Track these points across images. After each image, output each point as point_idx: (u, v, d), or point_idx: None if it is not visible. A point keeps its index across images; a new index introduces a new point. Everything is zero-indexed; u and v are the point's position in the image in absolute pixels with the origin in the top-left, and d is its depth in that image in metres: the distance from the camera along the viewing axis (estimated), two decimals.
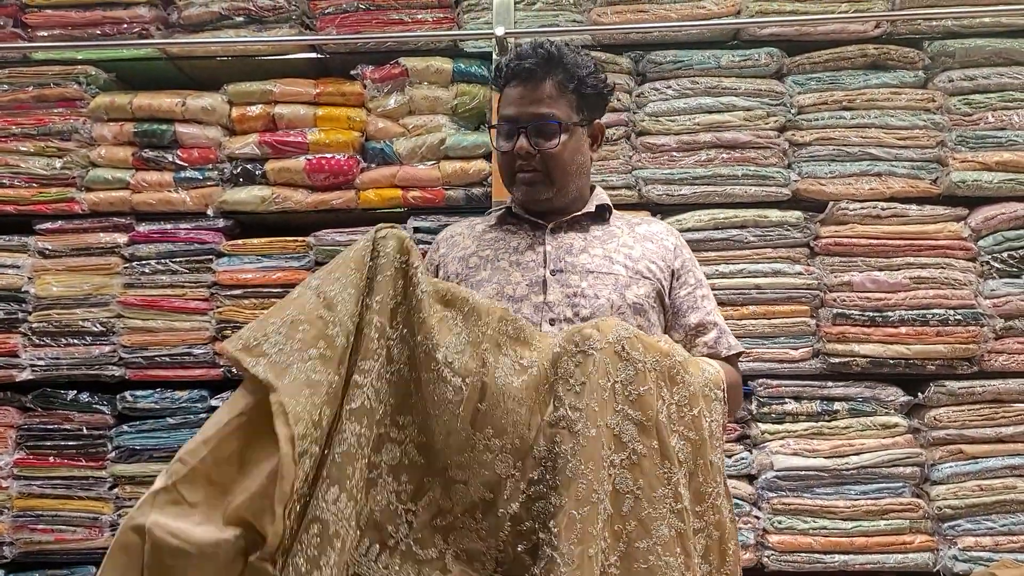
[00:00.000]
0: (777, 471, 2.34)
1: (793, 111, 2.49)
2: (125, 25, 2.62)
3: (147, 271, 2.56)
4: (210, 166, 2.59)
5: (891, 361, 2.37)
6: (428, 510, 1.22)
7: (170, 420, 2.50)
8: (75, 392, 2.53)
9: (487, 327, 1.25)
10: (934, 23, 2.49)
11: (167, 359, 2.52)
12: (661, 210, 2.49)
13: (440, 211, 2.56)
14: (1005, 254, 2.39)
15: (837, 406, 2.39)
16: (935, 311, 2.37)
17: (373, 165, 2.58)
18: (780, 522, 2.33)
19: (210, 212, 2.58)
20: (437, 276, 1.61)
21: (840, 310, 2.40)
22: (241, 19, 2.59)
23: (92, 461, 2.49)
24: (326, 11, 2.57)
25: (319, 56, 2.64)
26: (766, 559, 2.32)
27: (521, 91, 1.49)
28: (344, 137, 2.56)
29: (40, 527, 2.47)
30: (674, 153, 2.51)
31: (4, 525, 2.47)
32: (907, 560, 2.29)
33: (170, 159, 2.59)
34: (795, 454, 2.35)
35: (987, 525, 2.29)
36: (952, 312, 2.36)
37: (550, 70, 1.48)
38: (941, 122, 2.45)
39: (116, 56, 2.65)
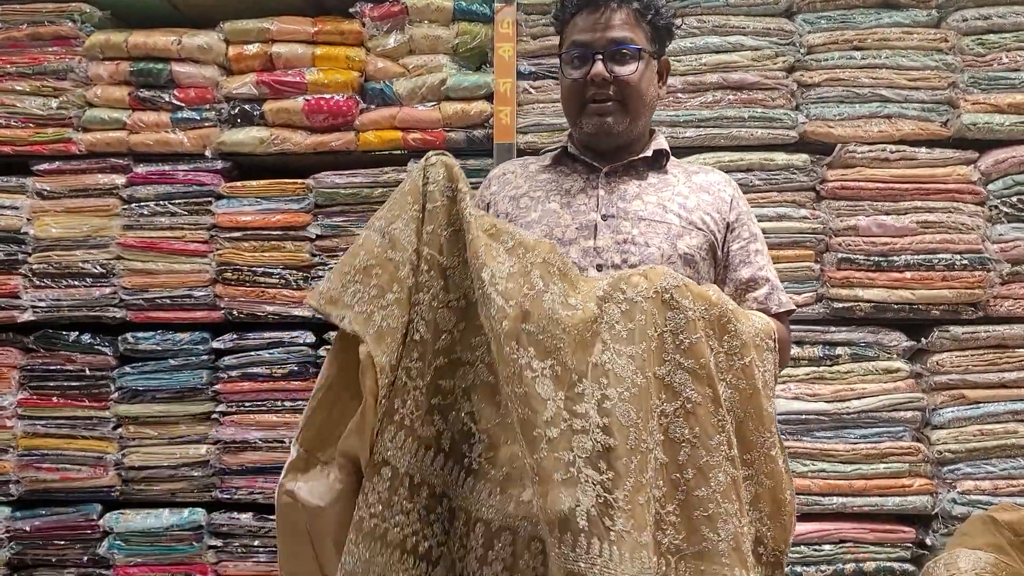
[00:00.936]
0: (777, 415, 2.33)
1: (802, 51, 2.43)
2: None
3: (146, 213, 2.54)
4: (207, 106, 2.56)
5: (895, 306, 2.35)
6: (495, 430, 1.21)
7: (172, 361, 2.51)
8: (77, 333, 2.54)
9: (536, 258, 1.23)
10: None
11: (168, 301, 2.52)
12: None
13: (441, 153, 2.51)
14: (1015, 198, 2.35)
15: (839, 351, 2.38)
16: (941, 256, 2.34)
17: (372, 106, 2.54)
18: None
19: (208, 153, 2.55)
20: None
21: (845, 255, 2.37)
22: None
23: (95, 401, 2.51)
24: None
25: None
26: None
27: (596, 17, 1.45)
28: (343, 77, 2.52)
29: (45, 466, 2.50)
30: (679, 95, 2.46)
31: (10, 464, 2.50)
32: (905, 503, 2.30)
33: (167, 99, 2.55)
34: (796, 398, 2.35)
35: (987, 469, 2.30)
36: (959, 257, 2.33)
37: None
38: (953, 63, 2.39)
39: None
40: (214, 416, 2.49)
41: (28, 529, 2.48)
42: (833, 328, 2.39)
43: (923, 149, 2.38)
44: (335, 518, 1.18)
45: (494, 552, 1.17)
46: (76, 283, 2.54)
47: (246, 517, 2.45)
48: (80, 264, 2.54)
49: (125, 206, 2.56)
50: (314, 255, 2.51)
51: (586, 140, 1.53)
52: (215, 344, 2.50)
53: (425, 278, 1.21)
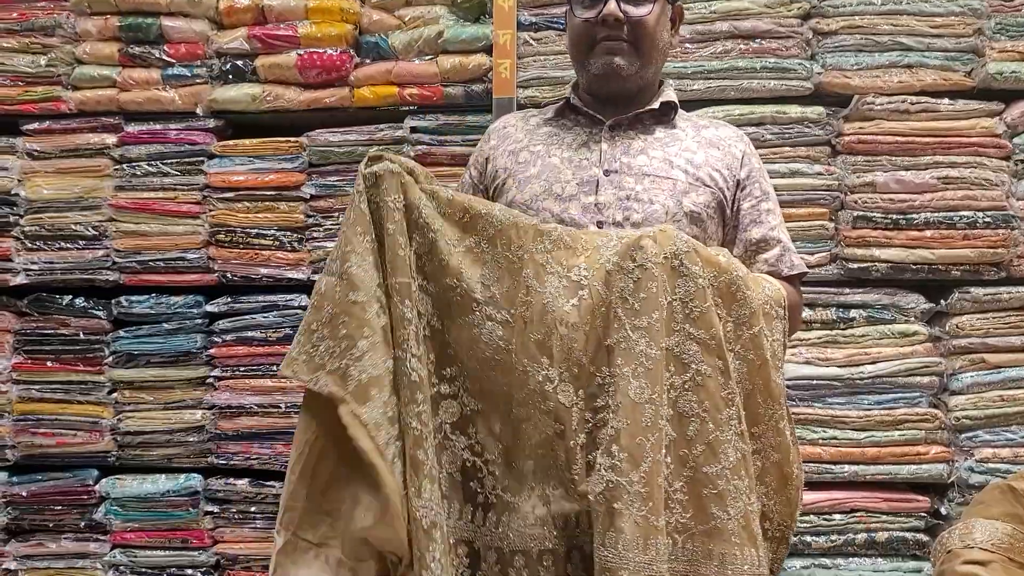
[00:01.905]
0: (787, 380, 2.24)
1: None
2: None
3: (138, 173, 2.48)
4: (198, 63, 2.47)
5: (913, 266, 2.24)
6: (504, 456, 1.16)
7: (166, 325, 2.45)
8: (71, 297, 2.49)
9: (522, 249, 1.15)
10: None
11: (161, 264, 2.46)
12: None
13: (439, 109, 2.42)
14: None
15: (854, 313, 2.28)
16: (963, 213, 2.22)
17: (368, 60, 2.45)
18: None
19: (200, 111, 2.47)
20: (486, 168, 1.50)
21: (861, 212, 2.26)
22: None
23: (90, 366, 2.47)
24: None
25: None
26: None
27: None
28: (337, 30, 2.42)
29: (41, 431, 2.47)
30: (687, 45, 2.34)
31: (5, 428, 2.47)
32: (920, 471, 2.21)
33: (157, 55, 2.47)
34: (807, 363, 2.26)
35: (1007, 436, 2.20)
36: (981, 214, 2.21)
37: None
38: (979, 8, 2.25)
39: None
40: (209, 381, 2.44)
41: (25, 494, 2.45)
42: (848, 290, 2.29)
43: (945, 100, 2.25)
44: None
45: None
46: (69, 245, 2.49)
47: (242, 483, 2.41)
48: (72, 226, 2.48)
49: (117, 166, 2.49)
50: (308, 216, 2.43)
51: (593, 84, 1.44)
52: (209, 308, 2.45)
53: (402, 310, 1.11)
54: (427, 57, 2.42)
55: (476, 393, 1.16)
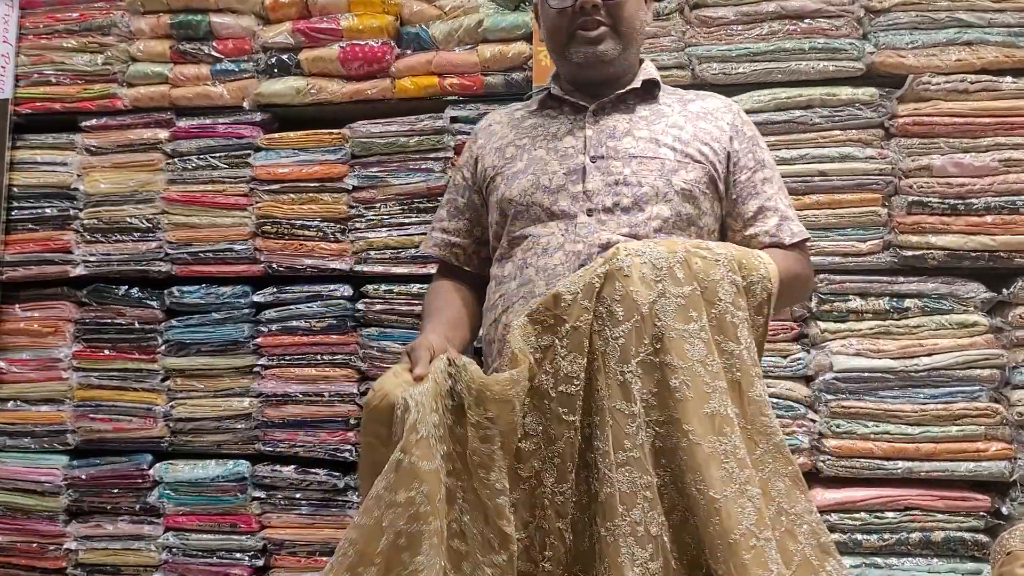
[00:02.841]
0: (837, 372, 2.16)
1: None
2: None
3: (188, 167, 2.55)
4: (245, 57, 2.53)
5: (972, 254, 2.13)
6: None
7: (215, 315, 2.52)
8: (126, 287, 2.58)
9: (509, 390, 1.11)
10: None
11: (210, 255, 2.52)
12: (716, 91, 2.26)
13: (479, 99, 2.42)
14: None
15: (908, 303, 2.18)
16: None
17: (408, 51, 2.46)
18: (838, 426, 2.17)
19: (246, 105, 2.52)
20: (476, 168, 1.49)
21: (917, 197, 2.16)
22: None
23: (144, 354, 2.55)
24: None
25: None
26: (821, 464, 2.18)
27: None
28: (379, 22, 2.44)
29: (99, 416, 2.56)
30: (733, 26, 2.27)
31: (66, 414, 2.57)
32: (980, 468, 2.10)
33: (206, 51, 2.54)
34: (858, 354, 2.17)
35: None
36: None
37: None
38: None
39: None
40: (256, 369, 2.49)
41: (84, 477, 2.55)
42: (902, 278, 2.19)
43: (1008, 79, 2.14)
44: None
45: None
46: (124, 238, 2.58)
47: (288, 470, 2.45)
48: (127, 219, 2.57)
49: (169, 160, 2.57)
50: (351, 207, 2.46)
51: (575, 73, 1.42)
52: (255, 298, 2.50)
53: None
54: (467, 46, 2.41)
55: (475, 536, 1.12)
